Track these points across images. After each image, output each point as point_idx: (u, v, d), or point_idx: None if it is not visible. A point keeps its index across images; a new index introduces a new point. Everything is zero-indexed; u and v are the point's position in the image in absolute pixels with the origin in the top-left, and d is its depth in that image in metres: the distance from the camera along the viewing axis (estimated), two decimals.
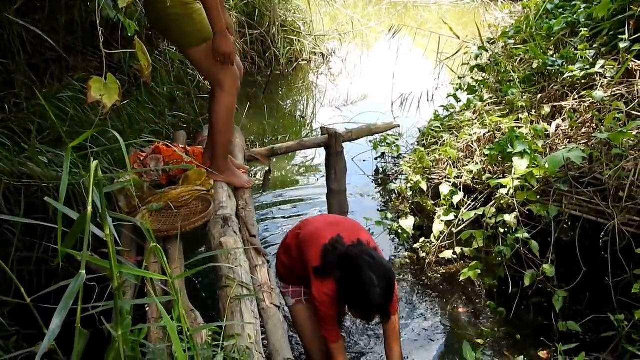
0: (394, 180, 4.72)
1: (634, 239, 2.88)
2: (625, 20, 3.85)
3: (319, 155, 5.43)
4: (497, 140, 3.72)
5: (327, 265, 2.31)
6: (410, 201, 4.16)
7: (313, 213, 4.37)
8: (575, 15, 4.48)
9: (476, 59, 5.31)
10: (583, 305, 3.21)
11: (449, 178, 3.84)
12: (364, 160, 5.31)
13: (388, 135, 5.19)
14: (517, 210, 3.19)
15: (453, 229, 3.65)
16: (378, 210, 4.54)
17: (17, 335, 2.53)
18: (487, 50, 5.34)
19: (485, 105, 4.43)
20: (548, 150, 3.58)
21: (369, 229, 3.54)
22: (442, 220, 3.71)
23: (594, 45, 4.14)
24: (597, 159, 3.18)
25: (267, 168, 3.81)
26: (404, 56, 7.77)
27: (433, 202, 3.94)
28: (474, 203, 3.64)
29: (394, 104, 6.31)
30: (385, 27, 9.40)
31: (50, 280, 3.06)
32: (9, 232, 2.79)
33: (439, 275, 3.73)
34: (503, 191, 3.30)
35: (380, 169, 5.28)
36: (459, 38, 6.24)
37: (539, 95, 4.07)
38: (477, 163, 3.78)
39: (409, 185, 4.10)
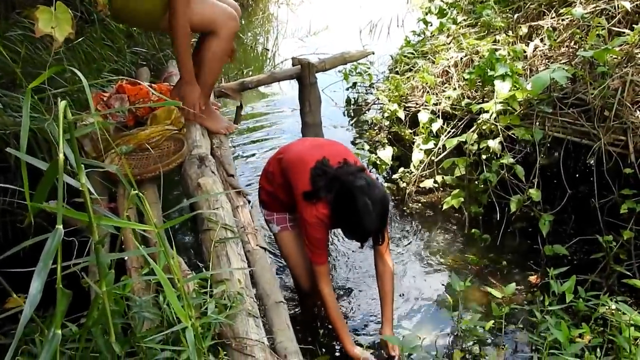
0: (367, 111, 4.59)
1: (620, 158, 2.83)
2: None
3: (291, 88, 5.25)
4: (475, 63, 3.60)
5: (317, 189, 2.31)
6: (387, 131, 4.05)
7: None
8: None
9: None
10: (569, 228, 3.19)
11: (427, 105, 3.72)
12: (334, 91, 5.14)
13: (359, 64, 5.02)
14: (500, 135, 3.10)
15: (433, 158, 3.57)
16: (352, 142, 4.42)
17: None
18: None
19: (459, 28, 4.28)
20: (528, 72, 3.49)
21: None
22: (421, 149, 3.62)
23: None
24: (580, 78, 3.09)
25: (238, 103, 3.63)
26: None
27: (411, 131, 3.84)
28: (454, 130, 3.55)
29: (363, 32, 6.09)
30: None
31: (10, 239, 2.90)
32: None
33: (420, 205, 3.67)
34: (485, 116, 3.21)
35: (352, 99, 5.13)
36: None
37: (516, 15, 3.94)
38: (455, 88, 3.67)
39: (385, 114, 3.98)
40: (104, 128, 3.11)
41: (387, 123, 3.99)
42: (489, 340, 2.58)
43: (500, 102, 3.15)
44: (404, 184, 3.72)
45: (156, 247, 1.43)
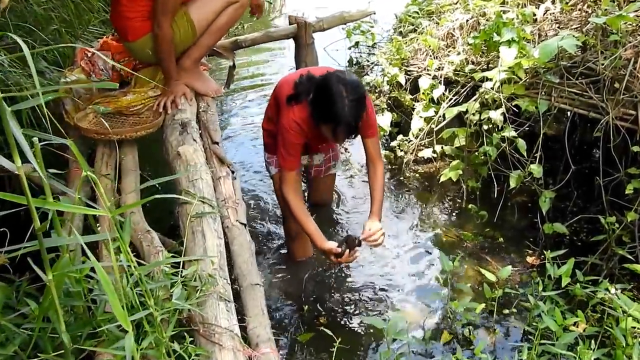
0: (368, 72, 4.41)
1: (628, 134, 2.67)
2: None
3: (287, 48, 5.06)
4: (482, 27, 3.41)
5: (298, 92, 2.39)
6: (387, 96, 3.89)
7: None
8: None
9: None
10: (571, 205, 3.06)
11: (428, 70, 3.55)
12: (336, 50, 4.94)
13: (362, 22, 4.81)
14: (503, 106, 2.95)
15: (433, 126, 3.42)
16: None
17: None
18: None
19: None
20: (537, 37, 3.30)
21: None
22: (421, 117, 3.48)
23: None
24: (591, 46, 2.90)
25: (230, 63, 3.46)
26: None
27: (411, 97, 3.68)
28: (455, 97, 3.39)
29: None
30: None
31: None
32: None
33: (417, 175, 3.54)
34: (488, 85, 3.04)
35: (354, 60, 4.95)
36: None
37: None
38: (459, 53, 3.48)
39: (385, 78, 3.81)
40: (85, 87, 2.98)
41: (387, 87, 3.82)
42: (480, 323, 2.48)
43: (505, 70, 2.98)
44: (402, 153, 3.59)
45: (109, 233, 1.31)
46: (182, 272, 1.75)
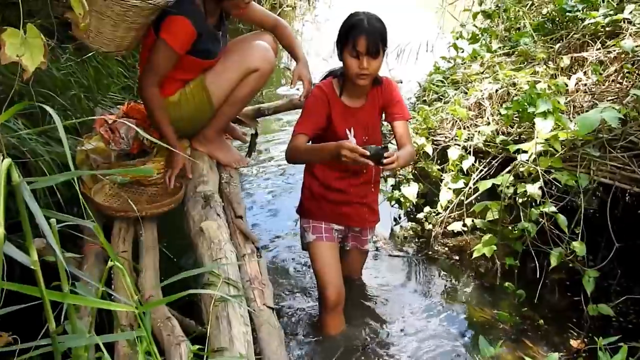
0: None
1: None
2: None
3: None
4: (513, 97, 3.34)
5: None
6: (413, 166, 3.77)
7: None
8: None
9: (480, 5, 4.85)
10: (615, 284, 2.88)
11: (457, 140, 3.45)
12: None
13: None
14: (540, 180, 2.82)
15: (462, 198, 3.28)
16: None
17: None
18: None
19: (494, 57, 4.00)
20: (571, 108, 3.21)
21: None
22: (450, 188, 3.35)
23: None
24: (632, 119, 2.79)
25: (253, 131, 3.38)
26: (402, 2, 7.27)
27: (439, 167, 3.56)
28: (486, 169, 3.27)
29: (389, 55, 5.82)
30: None
31: None
32: None
33: (446, 249, 3.38)
34: (523, 157, 2.92)
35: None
36: None
37: (557, 45, 3.66)
38: (489, 123, 3.39)
39: None
40: (104, 154, 2.90)
41: None
42: None
43: (541, 143, 2.87)
44: (430, 225, 3.44)
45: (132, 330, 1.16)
46: None
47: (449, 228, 3.33)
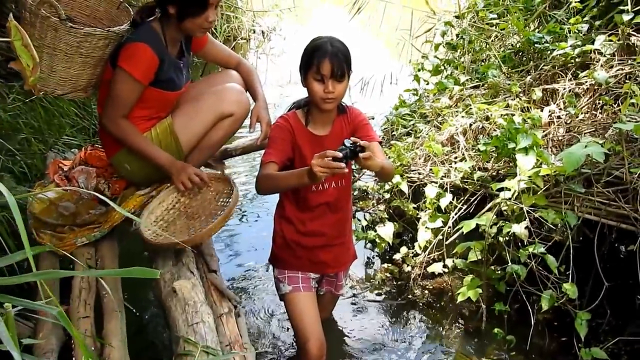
0: (359, 178, 4.18)
1: None
2: None
3: None
4: (488, 131, 3.28)
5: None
6: (384, 203, 3.66)
7: None
8: None
9: (443, 36, 4.82)
10: (604, 322, 2.80)
11: (433, 177, 3.34)
12: None
13: None
14: (527, 219, 2.72)
15: (442, 238, 3.17)
16: None
17: None
18: (453, 26, 4.86)
19: (462, 90, 3.94)
20: (549, 142, 3.16)
21: None
22: (428, 228, 3.23)
23: (585, 19, 3.72)
24: (617, 152, 2.74)
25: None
26: (360, 36, 7.23)
27: (415, 206, 3.44)
28: (465, 206, 3.17)
29: (353, 89, 5.74)
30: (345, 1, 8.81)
31: None
32: None
33: (426, 292, 3.24)
34: (506, 194, 2.83)
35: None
36: (434, 13, 5.68)
37: (528, 78, 3.62)
38: (464, 159, 3.31)
39: (384, 186, 3.59)
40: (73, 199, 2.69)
41: (387, 196, 3.59)
42: None
43: (524, 180, 2.78)
44: (408, 267, 3.31)
45: None
46: None
47: (429, 269, 3.20)
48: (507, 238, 2.84)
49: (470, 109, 3.53)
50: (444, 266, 3.16)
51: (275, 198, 2.52)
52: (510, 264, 2.77)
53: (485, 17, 4.60)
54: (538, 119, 3.17)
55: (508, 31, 4.20)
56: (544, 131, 3.22)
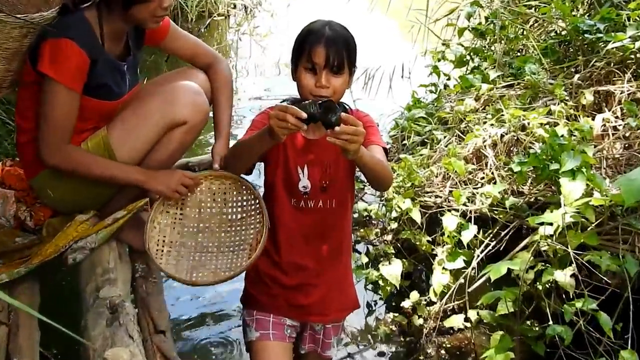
0: (360, 199, 4.08)
1: None
2: None
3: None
4: (524, 145, 3.23)
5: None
6: (391, 234, 3.56)
7: None
8: None
9: (469, 19, 4.73)
10: None
11: (453, 203, 3.24)
12: None
13: None
14: (573, 263, 2.61)
15: (463, 282, 3.07)
16: None
17: None
18: (482, 6, 4.79)
19: (492, 88, 3.84)
20: (603, 161, 3.08)
21: None
22: (445, 269, 3.13)
23: None
24: None
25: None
26: (371, 15, 7.13)
27: (429, 239, 3.34)
28: (494, 242, 3.08)
29: (355, 84, 5.63)
30: None
31: None
32: None
33: (443, 352, 3.14)
34: (547, 230, 2.71)
35: None
36: None
37: (576, 77, 3.54)
38: (494, 179, 3.22)
39: (391, 212, 3.47)
40: None
41: (394, 225, 3.47)
42: None
43: (570, 213, 2.67)
44: (420, 319, 3.21)
45: None
46: None
47: (446, 323, 3.11)
48: (547, 286, 2.75)
49: (502, 114, 3.45)
50: (466, 319, 3.09)
51: None
52: (550, 321, 2.66)
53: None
54: (588, 130, 3.09)
55: (550, 16, 4.15)
56: (595, 146, 3.14)
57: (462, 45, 4.77)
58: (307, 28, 2.16)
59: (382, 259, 3.43)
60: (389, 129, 4.56)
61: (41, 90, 2.29)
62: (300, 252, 2.28)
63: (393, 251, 3.47)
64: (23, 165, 2.57)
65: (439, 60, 4.68)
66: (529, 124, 3.29)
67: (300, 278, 2.30)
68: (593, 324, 2.61)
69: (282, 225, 2.27)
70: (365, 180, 2.43)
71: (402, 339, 3.24)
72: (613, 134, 3.21)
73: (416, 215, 3.30)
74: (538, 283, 2.76)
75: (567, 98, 3.47)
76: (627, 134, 3.18)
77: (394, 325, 3.29)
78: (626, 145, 3.15)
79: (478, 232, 3.12)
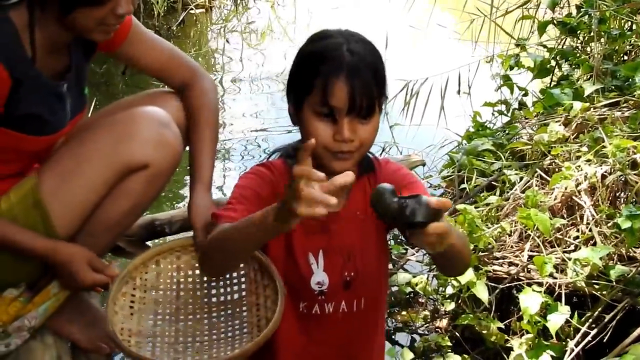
0: (400, 268, 4.13)
1: None
2: None
3: None
4: (635, 190, 3.29)
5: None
6: (446, 318, 3.61)
7: None
8: None
9: (553, 10, 4.80)
10: None
11: (530, 272, 3.32)
12: None
13: None
14: None
15: None
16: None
17: None
18: None
19: (587, 108, 3.88)
20: None
21: None
22: None
23: None
24: None
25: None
26: (412, 7, 7.25)
27: (501, 325, 3.36)
28: (595, 330, 3.10)
29: (392, 104, 5.70)
30: None
31: None
32: None
33: None
34: None
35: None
36: None
37: None
38: (592, 240, 3.25)
39: (446, 284, 3.52)
40: None
41: (450, 305, 3.50)
42: None
43: None
44: None
45: None
46: None
47: None
48: None
49: (603, 146, 3.49)
50: None
51: None
52: None
53: None
54: None
55: None
56: None
57: (545, 47, 4.83)
58: (316, 47, 2.08)
59: (434, 355, 3.49)
60: (439, 168, 4.62)
61: None
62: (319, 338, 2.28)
63: (449, 343, 3.51)
64: None
65: (511, 68, 4.75)
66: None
67: None
68: None
69: (284, 345, 2.25)
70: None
71: None
72: None
73: (482, 291, 3.33)
74: None
75: None
76: None
77: None
78: None
79: (571, 316, 3.15)
